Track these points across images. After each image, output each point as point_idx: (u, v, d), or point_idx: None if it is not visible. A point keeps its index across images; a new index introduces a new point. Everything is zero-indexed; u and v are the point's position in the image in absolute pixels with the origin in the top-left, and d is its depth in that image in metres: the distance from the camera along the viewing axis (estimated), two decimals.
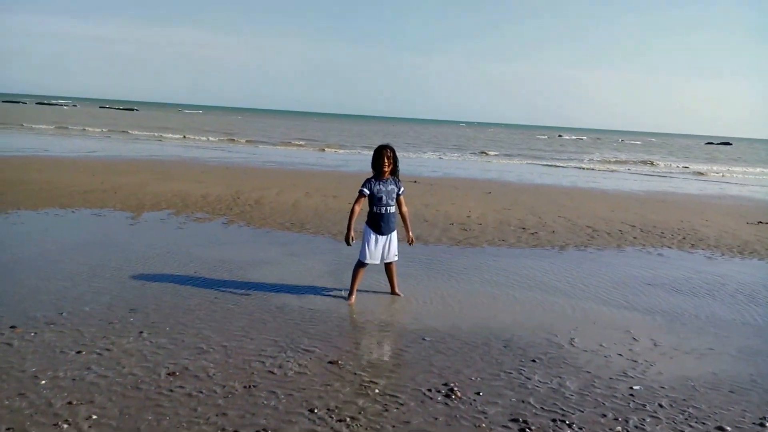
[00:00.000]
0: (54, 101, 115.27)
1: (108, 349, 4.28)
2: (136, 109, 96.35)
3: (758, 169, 35.55)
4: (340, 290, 5.94)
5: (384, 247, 5.62)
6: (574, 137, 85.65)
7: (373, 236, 5.56)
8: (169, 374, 3.92)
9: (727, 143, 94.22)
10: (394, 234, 5.68)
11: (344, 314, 5.32)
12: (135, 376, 3.87)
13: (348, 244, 5.50)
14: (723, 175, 29.70)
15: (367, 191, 5.51)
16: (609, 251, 8.68)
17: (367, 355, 4.46)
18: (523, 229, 10.01)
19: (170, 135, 35.81)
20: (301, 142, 36.12)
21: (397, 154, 5.61)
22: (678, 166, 34.38)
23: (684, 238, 9.97)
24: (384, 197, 5.51)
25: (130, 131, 37.18)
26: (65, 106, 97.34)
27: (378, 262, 5.65)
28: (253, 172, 17.38)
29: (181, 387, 3.75)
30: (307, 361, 4.23)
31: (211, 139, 34.75)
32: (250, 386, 3.80)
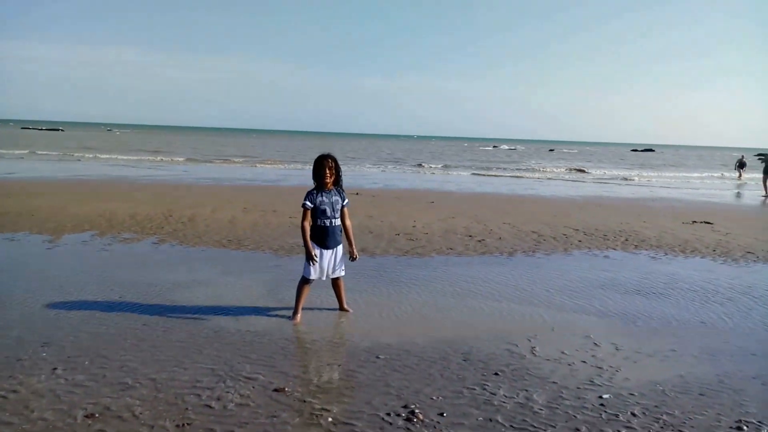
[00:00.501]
0: None
1: (14, 391, 3.68)
2: (62, 129, 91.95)
3: (681, 174, 37.28)
4: (283, 309, 5.49)
5: (329, 262, 5.21)
6: (507, 147, 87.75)
7: (317, 251, 5.15)
8: (86, 416, 3.37)
9: (650, 150, 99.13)
10: (340, 247, 5.29)
11: (289, 335, 4.87)
12: (46, 422, 3.30)
13: (313, 261, 5.08)
14: (650, 180, 30.91)
15: (310, 204, 5.10)
16: (556, 255, 8.58)
17: (317, 379, 4.03)
18: (470, 236, 9.81)
19: (97, 154, 34.09)
20: (238, 159, 35.15)
21: (339, 164, 5.23)
22: (606, 173, 35.58)
23: (627, 240, 10.03)
24: (327, 209, 5.12)
25: (52, 152, 35.16)
26: None
27: (324, 278, 5.23)
28: (186, 189, 16.56)
29: (101, 431, 3.21)
30: (249, 391, 3.76)
31: (141, 157, 33.30)
32: (183, 425, 3.30)
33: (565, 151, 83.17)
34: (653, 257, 8.67)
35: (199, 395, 3.68)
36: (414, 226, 10.59)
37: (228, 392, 3.73)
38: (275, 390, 3.78)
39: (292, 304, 5.38)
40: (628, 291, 6.62)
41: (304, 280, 5.24)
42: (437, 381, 4.01)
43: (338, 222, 5.20)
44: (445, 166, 35.69)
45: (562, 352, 4.62)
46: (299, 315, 5.23)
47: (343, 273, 5.36)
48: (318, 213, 5.11)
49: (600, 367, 4.36)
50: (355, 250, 5.36)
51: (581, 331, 5.18)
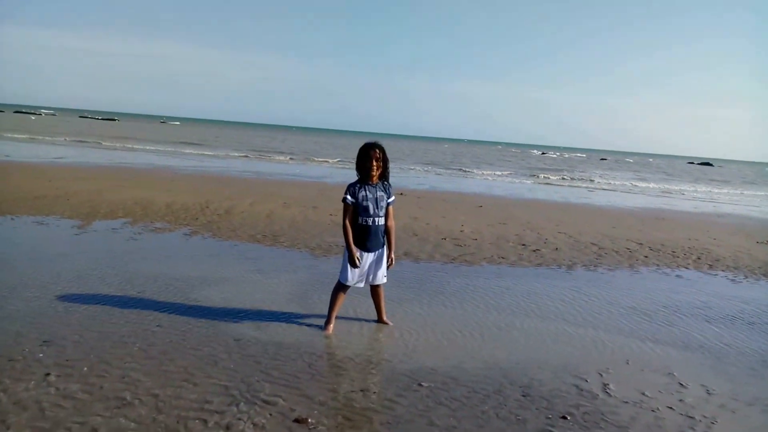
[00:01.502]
0: (33, 111, 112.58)
1: None
2: (117, 120, 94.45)
3: (739, 191, 35.20)
4: (314, 317, 4.85)
5: (371, 267, 4.55)
6: (558, 155, 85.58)
7: (357, 253, 4.49)
8: None
9: (708, 164, 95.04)
10: (383, 251, 4.61)
11: (319, 349, 4.22)
12: None
13: (355, 265, 4.44)
14: (711, 195, 29.18)
15: (351, 199, 4.44)
16: (622, 272, 7.69)
17: (347, 410, 3.36)
18: (523, 245, 9.00)
19: (146, 146, 34.46)
20: (282, 155, 34.98)
21: (387, 155, 4.56)
22: (663, 186, 33.86)
23: (699, 258, 9.04)
24: (371, 206, 4.45)
25: (105, 141, 35.75)
26: (44, 114, 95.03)
27: (362, 285, 4.57)
28: (227, 181, 16.21)
29: None
30: (265, 419, 3.14)
31: (189, 150, 33.47)
32: None
33: (616, 160, 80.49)
34: (732, 280, 7.69)
35: (205, 420, 3.08)
36: (462, 231, 9.84)
37: (240, 419, 3.11)
38: (296, 420, 3.14)
39: (325, 311, 4.75)
40: (711, 319, 5.73)
41: (341, 286, 4.59)
42: (492, 422, 3.30)
43: (382, 221, 4.52)
44: (492, 170, 34.67)
45: (643, 393, 3.83)
46: (332, 325, 4.59)
47: (385, 280, 4.69)
48: (360, 210, 4.45)
49: (691, 417, 3.56)
50: (393, 255, 4.67)
51: (662, 366, 4.36)
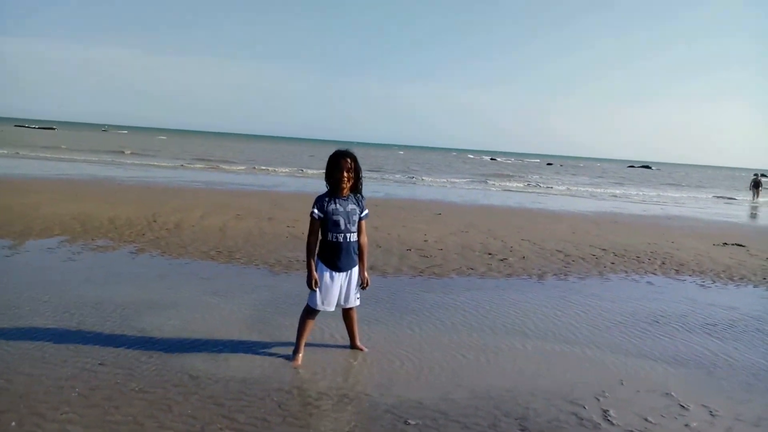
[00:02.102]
0: None
1: None
2: (54, 128, 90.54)
3: (681, 193, 36.43)
4: (279, 346, 4.38)
5: (342, 288, 4.11)
6: (506, 160, 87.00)
7: (327, 273, 4.04)
8: None
9: (647, 167, 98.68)
10: (356, 270, 4.17)
11: (288, 385, 3.75)
12: None
13: (312, 288, 4.00)
14: (657, 198, 30.00)
15: (319, 213, 4.01)
16: (592, 280, 7.50)
17: None
18: (490, 254, 8.73)
19: (87, 156, 32.85)
20: (230, 164, 33.98)
21: (360, 164, 4.14)
22: (608, 190, 34.69)
23: (663, 263, 8.98)
24: (342, 221, 4.01)
25: (40, 151, 33.87)
26: None
27: (333, 308, 4.13)
28: (175, 192, 15.41)
29: None
30: None
31: (132, 159, 32.08)
32: None
33: (561, 165, 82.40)
34: (701, 285, 7.61)
35: None
36: (426, 241, 9.50)
37: None
38: None
39: (291, 337, 4.31)
40: (692, 328, 5.54)
41: (309, 311, 4.14)
42: None
43: (355, 237, 4.09)
44: (443, 177, 34.69)
45: (646, 419, 3.53)
46: (301, 355, 4.12)
47: (358, 302, 4.26)
48: (329, 225, 4.01)
49: None
50: (366, 275, 4.24)
51: (658, 385, 4.09)
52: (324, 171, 4.07)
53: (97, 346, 4.14)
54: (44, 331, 4.39)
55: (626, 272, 8.15)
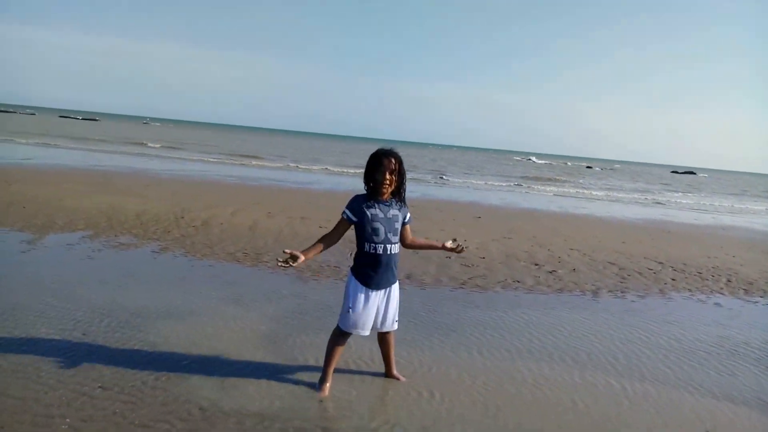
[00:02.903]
0: (12, 109, 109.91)
1: None
2: (98, 120, 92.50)
3: (729, 202, 34.75)
4: (305, 371, 3.83)
5: (379, 309, 3.54)
6: (543, 162, 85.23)
7: (362, 293, 3.46)
8: None
9: (692, 172, 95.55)
10: (395, 288, 3.60)
11: (311, 420, 3.19)
12: None
13: (279, 262, 3.27)
14: (707, 204, 28.60)
15: (352, 216, 3.44)
16: (653, 299, 6.76)
17: None
18: (537, 265, 8.04)
19: (127, 147, 33.08)
20: (269, 159, 33.79)
21: (404, 167, 3.55)
22: (655, 198, 33.27)
23: (729, 281, 8.15)
24: (382, 228, 3.43)
25: (81, 142, 34.27)
26: (22, 114, 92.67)
27: (368, 332, 3.55)
28: (208, 186, 15.08)
29: None
30: None
31: (171, 153, 32.17)
32: None
33: (600, 169, 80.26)
34: None
35: None
36: (467, 247, 8.84)
37: None
38: None
39: (316, 361, 3.78)
40: None
41: (340, 333, 3.57)
42: None
43: (396, 249, 3.51)
44: (481, 177, 33.83)
45: None
46: (328, 384, 3.57)
47: (396, 326, 3.68)
48: (366, 233, 3.42)
49: None
50: (449, 244, 3.76)
51: None
52: (363, 171, 3.49)
53: (99, 364, 3.66)
54: (45, 343, 3.94)
55: (690, 291, 7.37)
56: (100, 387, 3.36)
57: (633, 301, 6.58)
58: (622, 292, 6.93)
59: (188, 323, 4.52)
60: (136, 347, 3.97)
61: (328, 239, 3.49)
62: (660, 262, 9.14)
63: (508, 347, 4.62)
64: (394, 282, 3.56)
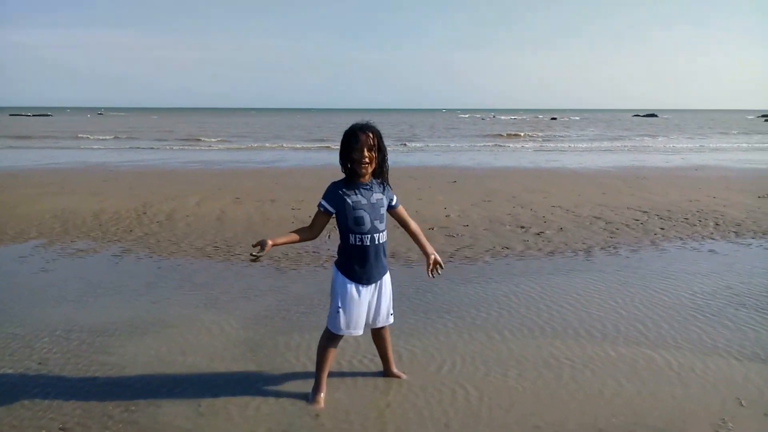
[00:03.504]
0: None
1: None
2: (50, 115, 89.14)
3: (694, 142, 35.11)
4: (293, 380, 3.43)
5: (371, 305, 3.14)
6: (507, 117, 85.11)
7: (351, 288, 3.05)
8: None
9: (653, 115, 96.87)
10: (387, 278, 3.19)
11: None
12: None
13: (251, 256, 3.01)
14: (668, 146, 28.80)
15: (331, 207, 3.02)
16: (647, 252, 6.52)
17: None
18: (522, 228, 7.74)
19: (80, 143, 31.65)
20: (232, 140, 32.76)
21: (384, 141, 3.10)
22: (619, 142, 33.41)
23: (718, 224, 7.98)
24: (366, 216, 3.01)
25: (33, 139, 32.68)
26: None
27: (361, 331, 3.15)
28: (169, 175, 14.38)
29: None
30: None
31: (126, 144, 30.92)
32: None
33: (566, 119, 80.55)
34: None
35: None
36: (448, 216, 8.50)
37: None
38: None
39: (304, 365, 3.37)
40: None
41: (330, 337, 3.16)
42: None
43: (384, 237, 3.10)
44: (441, 138, 33.43)
45: None
46: (322, 394, 3.17)
47: (391, 320, 3.29)
48: (350, 223, 3.00)
49: None
50: (433, 254, 3.20)
51: None
52: (338, 150, 3.05)
53: (59, 399, 3.19)
54: None
55: (681, 239, 7.15)
56: (61, 428, 2.91)
57: (627, 257, 6.32)
58: (614, 248, 6.67)
59: (157, 337, 4.06)
60: (99, 373, 3.51)
61: (306, 233, 3.11)
62: (644, 212, 8.93)
63: (511, 325, 4.28)
64: (385, 273, 3.16)
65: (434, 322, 4.33)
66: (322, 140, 30.83)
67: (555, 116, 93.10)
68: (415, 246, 3.29)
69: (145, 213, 8.75)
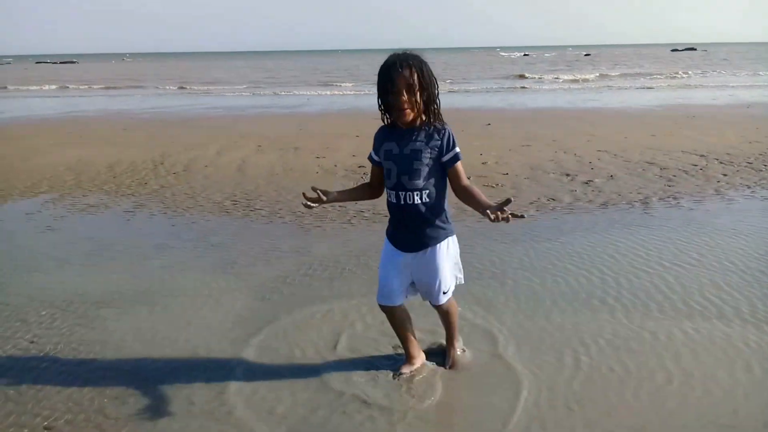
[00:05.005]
0: None
1: None
2: (75, 62, 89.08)
3: (739, 74, 33.00)
4: (320, 373, 2.94)
5: (411, 277, 2.62)
6: (536, 54, 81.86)
7: (389, 252, 2.63)
8: None
9: (692, 48, 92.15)
10: (434, 252, 2.55)
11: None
12: None
13: (306, 201, 2.54)
14: (717, 81, 27.08)
15: (375, 156, 2.58)
16: (713, 203, 5.80)
17: None
18: (568, 176, 7.04)
19: (103, 86, 31.23)
20: (257, 86, 31.99)
21: (432, 74, 2.42)
22: (659, 79, 31.57)
23: None
24: (394, 168, 2.45)
25: (57, 85, 32.38)
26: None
27: (397, 302, 2.65)
28: (191, 123, 13.86)
29: None
30: None
31: (152, 90, 30.40)
32: None
33: (598, 54, 77.03)
34: None
35: None
36: (485, 163, 7.83)
37: None
38: None
39: (327, 343, 2.88)
40: None
41: (381, 308, 2.71)
42: None
43: (419, 199, 2.44)
44: (465, 80, 32.07)
45: None
46: (417, 361, 2.82)
47: (443, 299, 2.68)
48: (383, 174, 2.54)
49: None
50: (491, 204, 2.28)
51: None
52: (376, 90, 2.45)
53: (48, 387, 2.76)
54: None
55: (749, 187, 6.41)
56: (46, 428, 2.48)
57: (691, 209, 5.62)
58: (674, 199, 5.96)
59: (165, 310, 3.60)
60: (96, 355, 3.07)
61: (367, 190, 2.73)
62: (702, 155, 8.12)
63: (576, 295, 3.66)
64: (429, 245, 2.54)
65: (483, 289, 3.76)
66: (343, 80, 29.85)
67: (588, 52, 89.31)
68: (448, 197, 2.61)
69: (162, 163, 8.28)
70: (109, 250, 4.76)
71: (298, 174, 7.45)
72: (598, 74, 33.34)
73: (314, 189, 2.50)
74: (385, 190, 2.57)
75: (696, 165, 7.48)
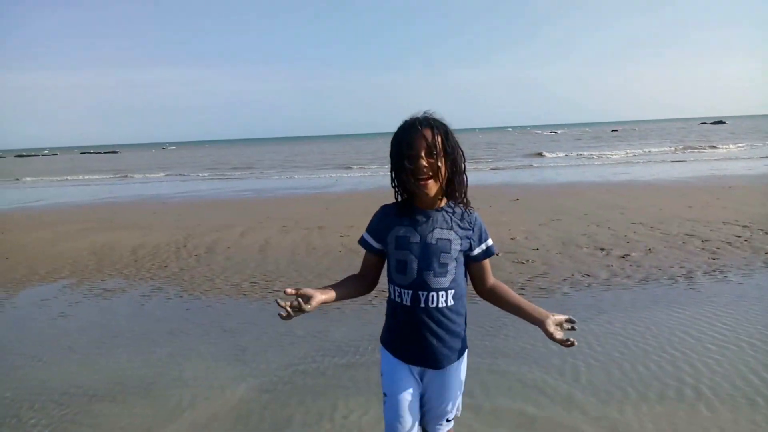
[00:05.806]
0: (34, 153, 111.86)
1: None
2: (118, 152, 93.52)
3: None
4: None
5: (418, 395, 2.04)
6: (562, 131, 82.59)
7: (390, 366, 2.03)
8: None
9: (721, 122, 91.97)
10: (460, 366, 2.06)
11: None
12: None
13: (281, 310, 1.76)
14: (747, 153, 26.61)
15: (374, 242, 2.02)
16: (763, 276, 5.36)
17: None
18: (603, 250, 6.68)
19: (144, 174, 32.30)
20: (285, 169, 32.72)
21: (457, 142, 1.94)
22: (694, 156, 31.25)
23: None
24: (413, 260, 1.91)
25: (97, 174, 33.62)
26: (44, 156, 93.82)
27: (408, 427, 2.01)
28: (219, 205, 13.99)
29: None
30: None
31: (184, 176, 31.31)
32: None
33: (627, 130, 77.33)
34: None
35: None
36: (514, 239, 7.52)
37: None
38: None
39: None
40: None
41: None
42: None
43: (443, 301, 1.93)
44: (497, 158, 32.20)
45: None
46: None
47: (450, 425, 2.14)
48: (391, 267, 1.99)
49: None
50: (552, 318, 1.96)
51: None
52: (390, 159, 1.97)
53: None
54: None
55: None
56: None
57: (741, 283, 5.18)
58: (721, 272, 5.54)
59: (167, 401, 3.32)
60: None
61: (356, 282, 2.06)
62: (744, 226, 7.69)
63: (630, 385, 3.30)
64: (450, 361, 2.00)
65: (506, 378, 3.40)
66: (373, 161, 30.25)
67: (615, 128, 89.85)
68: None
69: (185, 246, 8.19)
70: (118, 337, 4.54)
71: (321, 253, 7.25)
72: (627, 151, 33.15)
73: (296, 291, 1.78)
74: (390, 287, 2.00)
75: (740, 236, 7.05)
